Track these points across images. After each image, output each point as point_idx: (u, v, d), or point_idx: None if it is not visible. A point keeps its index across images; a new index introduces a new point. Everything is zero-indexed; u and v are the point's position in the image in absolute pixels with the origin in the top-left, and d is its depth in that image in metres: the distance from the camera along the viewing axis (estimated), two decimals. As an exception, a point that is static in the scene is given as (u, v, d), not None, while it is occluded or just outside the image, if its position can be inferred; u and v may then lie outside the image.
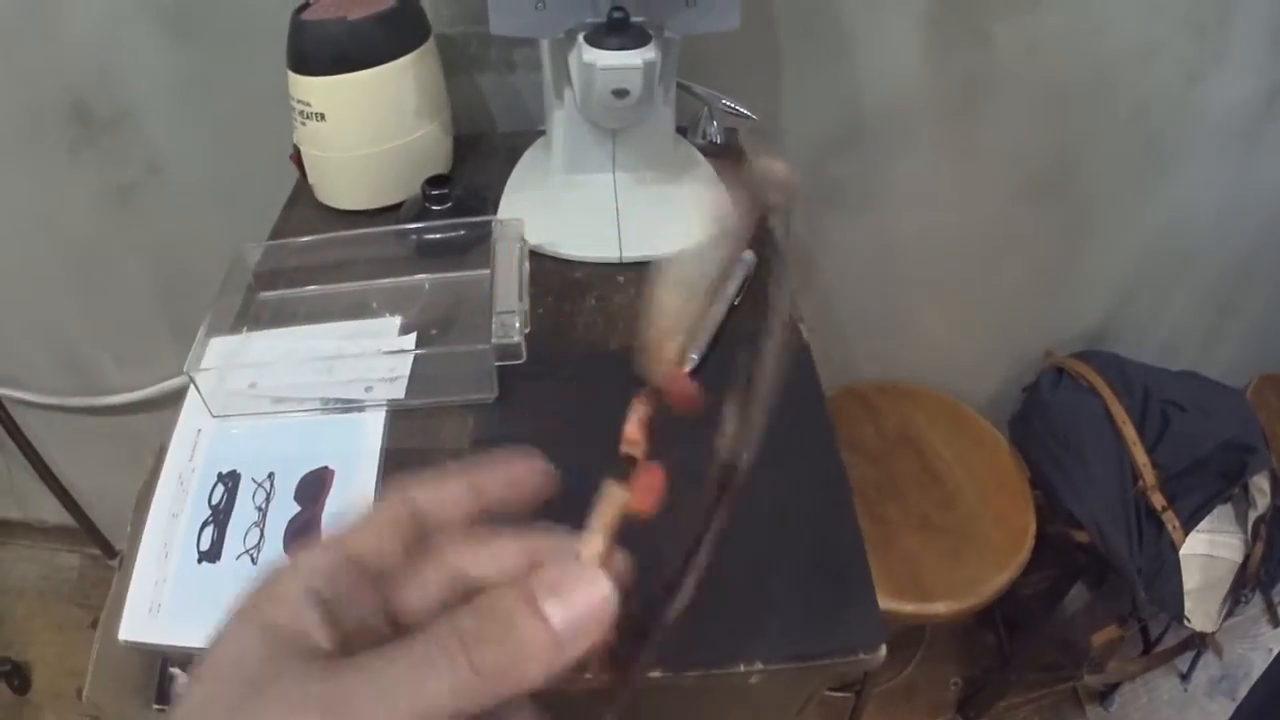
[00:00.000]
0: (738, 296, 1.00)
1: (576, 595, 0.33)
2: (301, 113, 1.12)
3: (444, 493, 0.38)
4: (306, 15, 1.09)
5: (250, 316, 1.02)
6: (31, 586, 2.32)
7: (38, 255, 1.60)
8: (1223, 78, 1.52)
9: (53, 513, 2.22)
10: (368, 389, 0.92)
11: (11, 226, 1.57)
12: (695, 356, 0.92)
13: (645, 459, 0.38)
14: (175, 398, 1.79)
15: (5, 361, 1.84)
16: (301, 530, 0.83)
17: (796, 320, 0.99)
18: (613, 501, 0.37)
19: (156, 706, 1.27)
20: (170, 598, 0.79)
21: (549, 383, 0.92)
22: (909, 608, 1.49)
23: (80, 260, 1.61)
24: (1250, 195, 1.74)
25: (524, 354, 0.91)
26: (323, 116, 1.10)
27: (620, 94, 0.95)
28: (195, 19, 1.30)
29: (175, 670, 1.55)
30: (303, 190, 1.23)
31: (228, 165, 1.44)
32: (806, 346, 0.97)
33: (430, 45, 1.15)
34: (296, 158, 1.18)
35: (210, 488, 0.88)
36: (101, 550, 2.27)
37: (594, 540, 0.36)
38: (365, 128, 1.12)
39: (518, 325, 0.90)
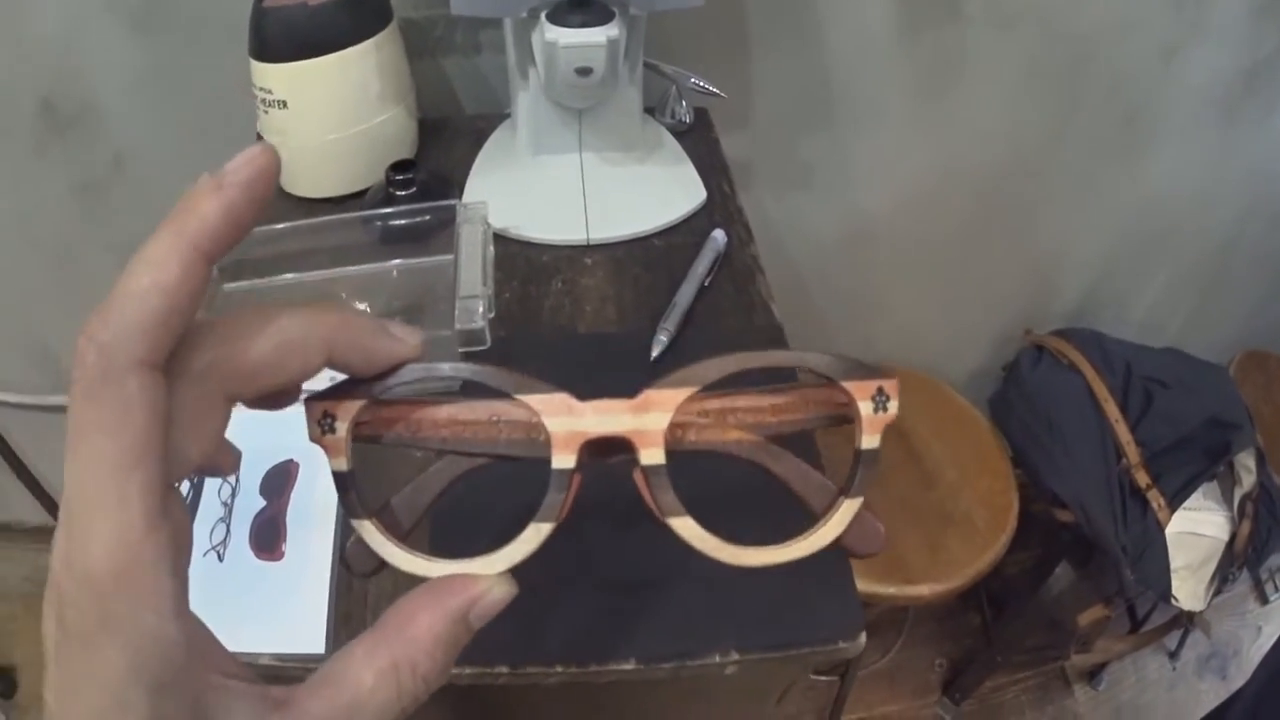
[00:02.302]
0: (708, 277, 0.99)
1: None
2: (264, 100, 1.10)
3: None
4: (268, 2, 1.07)
5: (216, 309, 1.01)
6: (14, 589, 2.30)
7: (8, 253, 1.59)
8: (1202, 52, 1.51)
9: (33, 513, 2.20)
10: (332, 378, 0.91)
11: (-18, 226, 1.55)
12: (664, 339, 0.91)
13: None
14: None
15: (-21, 361, 1.83)
16: (267, 525, 0.82)
17: (767, 300, 0.98)
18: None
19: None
20: (138, 595, 0.78)
21: (515, 368, 0.91)
22: (891, 590, 1.48)
23: (51, 257, 1.60)
24: (1231, 170, 1.74)
25: (488, 339, 0.90)
26: (285, 104, 1.08)
27: (584, 72, 0.94)
28: (158, 13, 1.28)
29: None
30: (267, 178, 1.21)
31: (193, 158, 1.42)
32: (779, 326, 0.96)
33: (393, 29, 1.14)
34: (260, 146, 1.16)
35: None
36: (83, 550, 2.25)
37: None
38: (328, 114, 1.11)
39: (481, 310, 0.89)
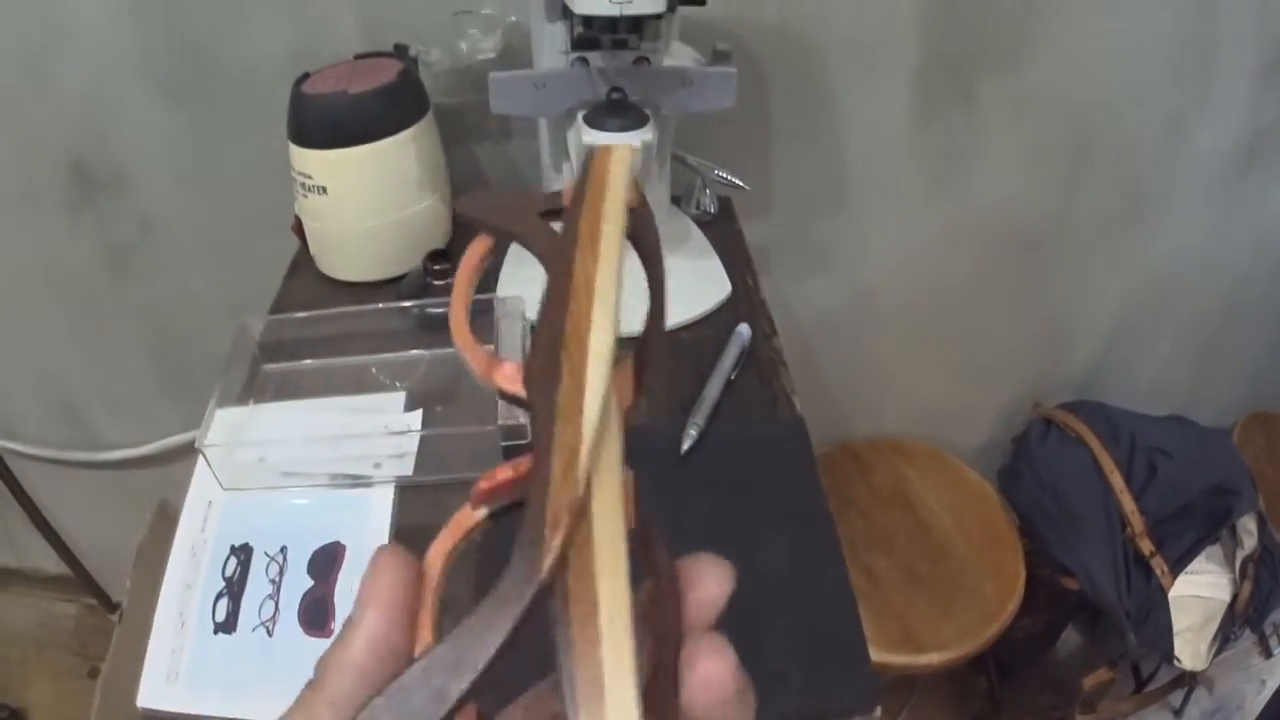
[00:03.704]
0: (734, 371, 1.02)
1: None
2: (303, 185, 1.13)
3: None
4: (307, 87, 1.10)
5: (256, 389, 1.04)
6: (28, 634, 2.32)
7: (37, 310, 1.62)
8: (1204, 123, 1.54)
9: (50, 562, 2.22)
10: (376, 465, 0.94)
11: (11, 282, 1.58)
12: (694, 432, 0.94)
13: None
14: (171, 455, 1.82)
15: (4, 414, 1.86)
16: (317, 603, 0.85)
17: (790, 393, 1.01)
18: None
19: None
20: (187, 667, 0.81)
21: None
22: (901, 659, 1.50)
23: (79, 316, 1.63)
24: (1233, 236, 1.76)
25: (529, 434, 0.93)
26: (324, 190, 1.12)
27: (619, 175, 0.96)
28: (190, 83, 1.32)
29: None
30: (303, 260, 1.24)
31: (223, 229, 1.46)
32: (801, 419, 0.99)
33: (430, 118, 1.17)
34: (298, 228, 1.19)
35: (223, 560, 0.89)
36: (98, 601, 2.27)
37: None
38: (367, 201, 1.14)
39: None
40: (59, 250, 1.52)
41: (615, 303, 0.29)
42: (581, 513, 0.25)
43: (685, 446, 0.94)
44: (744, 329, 1.06)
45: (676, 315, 1.10)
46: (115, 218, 1.47)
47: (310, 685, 0.26)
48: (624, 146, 0.35)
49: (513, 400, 0.30)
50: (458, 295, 0.34)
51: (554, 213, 0.35)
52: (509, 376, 0.30)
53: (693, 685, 0.24)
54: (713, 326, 1.10)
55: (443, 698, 0.22)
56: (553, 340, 0.28)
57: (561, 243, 0.32)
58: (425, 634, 0.26)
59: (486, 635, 0.23)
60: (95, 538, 2.16)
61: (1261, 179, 1.67)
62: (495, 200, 0.36)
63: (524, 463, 0.27)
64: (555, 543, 0.24)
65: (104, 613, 2.28)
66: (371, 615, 0.25)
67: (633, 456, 0.27)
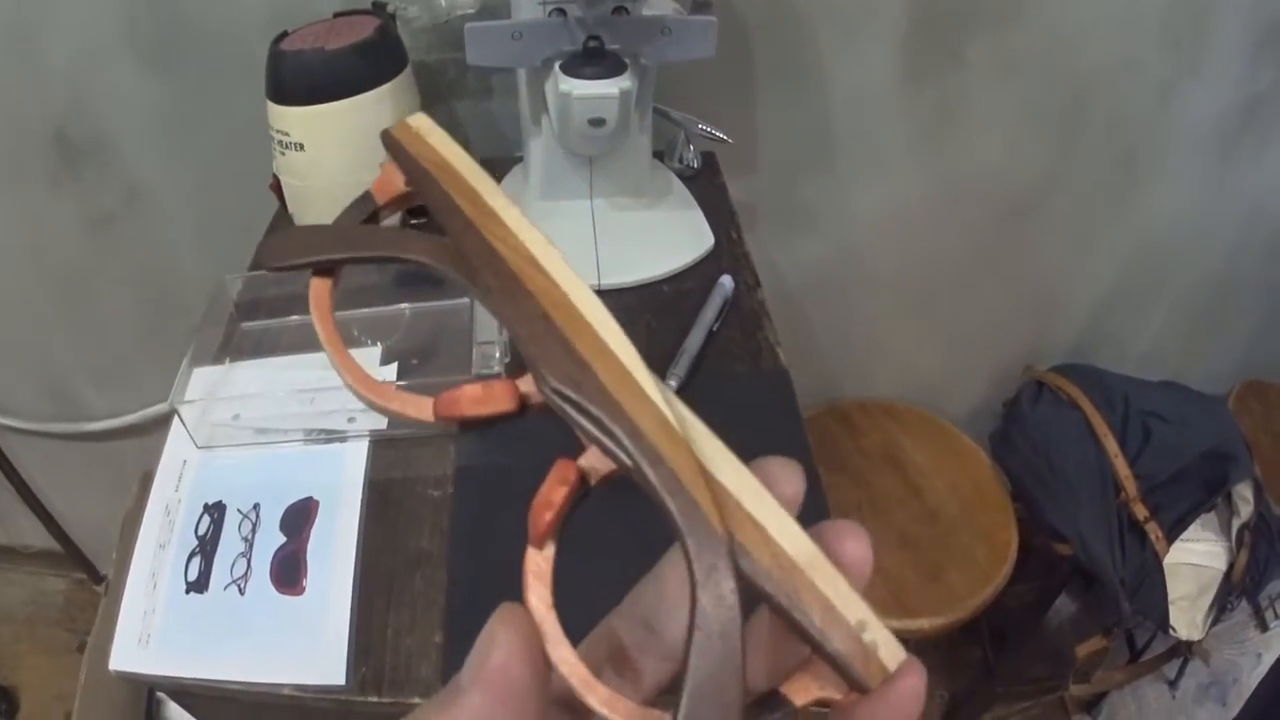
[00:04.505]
0: (717, 323, 1.00)
1: None
2: (280, 142, 1.12)
3: None
4: (284, 45, 1.09)
5: (232, 347, 1.03)
6: (18, 610, 2.32)
7: (20, 281, 1.60)
8: (1198, 91, 1.53)
9: (37, 537, 2.22)
10: (350, 419, 0.93)
11: (-5, 254, 1.57)
12: (674, 384, 0.93)
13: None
14: (158, 424, 1.80)
15: (-11, 388, 1.84)
16: (288, 560, 0.84)
17: (774, 345, 1.00)
18: None
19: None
20: (159, 629, 0.80)
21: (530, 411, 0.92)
22: (892, 624, 1.46)
23: (62, 287, 1.61)
24: (1227, 204, 1.75)
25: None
26: (301, 146, 1.10)
27: (597, 123, 0.96)
28: (172, 49, 1.30)
29: (162, 696, 1.55)
30: (282, 219, 1.23)
31: (208, 194, 1.45)
32: (785, 372, 0.97)
33: (408, 74, 1.15)
34: (276, 187, 1.18)
35: (196, 518, 0.88)
36: (87, 575, 2.27)
37: None
38: (344, 157, 1.12)
39: (498, 356, 0.91)
40: (42, 221, 1.50)
41: (562, 256, 0.28)
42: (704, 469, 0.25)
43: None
44: (726, 280, 1.05)
45: (658, 267, 1.09)
46: (99, 187, 1.46)
47: None
48: (416, 115, 0.32)
49: (483, 423, 0.28)
50: (336, 350, 0.30)
51: (373, 216, 0.32)
52: (475, 399, 0.27)
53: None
54: (695, 279, 1.09)
55: (729, 710, 0.22)
56: (543, 329, 0.27)
57: (454, 233, 0.29)
58: (596, 693, 0.24)
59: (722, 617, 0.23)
60: (83, 512, 2.15)
61: (1255, 145, 1.66)
62: (299, 236, 0.32)
63: (568, 469, 0.25)
64: (711, 506, 0.24)
65: (92, 586, 2.27)
66: (480, 694, 0.24)
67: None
